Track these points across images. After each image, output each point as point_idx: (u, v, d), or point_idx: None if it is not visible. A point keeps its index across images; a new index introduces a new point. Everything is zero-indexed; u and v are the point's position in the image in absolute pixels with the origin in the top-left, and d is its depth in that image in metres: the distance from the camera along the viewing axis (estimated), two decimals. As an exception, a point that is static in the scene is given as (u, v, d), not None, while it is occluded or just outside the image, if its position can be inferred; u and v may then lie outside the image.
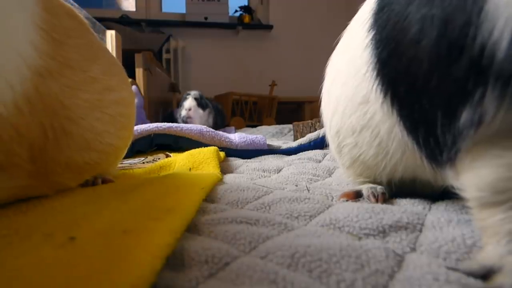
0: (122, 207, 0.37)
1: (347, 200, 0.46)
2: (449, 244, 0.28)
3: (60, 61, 0.41)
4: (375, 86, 0.38)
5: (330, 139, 0.52)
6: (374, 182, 0.47)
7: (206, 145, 0.96)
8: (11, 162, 0.36)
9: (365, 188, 0.45)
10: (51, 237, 0.27)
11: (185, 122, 2.02)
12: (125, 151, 0.63)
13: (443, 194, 0.43)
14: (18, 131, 0.35)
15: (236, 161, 0.89)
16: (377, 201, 0.43)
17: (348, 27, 0.49)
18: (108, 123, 0.51)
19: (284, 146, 1.11)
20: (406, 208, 0.39)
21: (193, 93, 2.14)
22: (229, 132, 1.37)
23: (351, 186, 0.53)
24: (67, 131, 0.42)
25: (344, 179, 0.59)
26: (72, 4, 1.36)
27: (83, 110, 0.45)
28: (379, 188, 0.45)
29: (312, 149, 1.07)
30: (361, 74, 0.40)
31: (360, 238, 0.32)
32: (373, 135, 0.41)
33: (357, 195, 0.46)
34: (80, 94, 0.45)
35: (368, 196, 0.44)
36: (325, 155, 0.93)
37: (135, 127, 1.11)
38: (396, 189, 0.46)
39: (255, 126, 2.40)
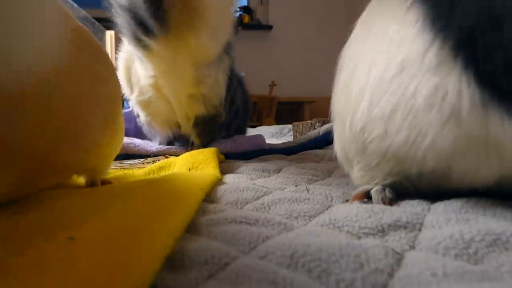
0: (121, 208, 0.37)
1: (346, 201, 0.46)
2: (447, 240, 0.29)
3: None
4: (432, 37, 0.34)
5: (351, 139, 0.47)
6: (405, 178, 0.43)
7: (206, 146, 0.96)
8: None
9: (374, 191, 0.43)
10: (50, 238, 0.27)
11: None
12: (116, 149, 0.59)
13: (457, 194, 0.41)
14: None
15: (235, 162, 0.89)
16: (384, 204, 0.42)
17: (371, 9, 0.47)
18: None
19: (284, 145, 1.11)
20: (405, 208, 0.39)
21: None
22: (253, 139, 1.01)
23: (351, 186, 0.53)
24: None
25: (342, 180, 0.59)
26: (71, 5, 1.36)
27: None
28: (387, 191, 0.43)
29: (312, 148, 1.07)
30: (402, 36, 0.37)
31: (359, 237, 0.32)
32: (405, 112, 0.37)
33: (365, 196, 0.45)
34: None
35: (379, 202, 0.42)
36: (325, 155, 0.93)
37: (135, 128, 1.11)
38: (424, 183, 0.43)
39: (254, 127, 2.40)
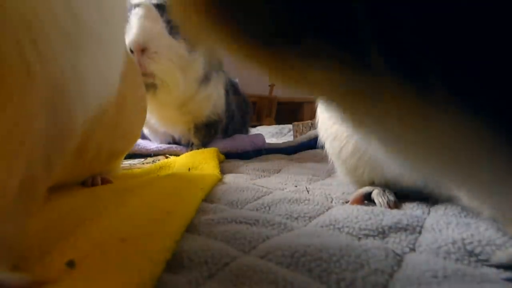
0: (120, 210, 0.37)
1: (346, 202, 0.46)
2: (449, 245, 0.29)
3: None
4: None
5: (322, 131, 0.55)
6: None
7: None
8: None
9: (376, 195, 0.44)
10: (49, 262, 0.26)
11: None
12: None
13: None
14: None
15: (235, 162, 0.89)
16: (389, 207, 0.41)
17: None
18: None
19: (284, 145, 1.10)
20: (406, 211, 0.39)
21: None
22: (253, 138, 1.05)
23: (351, 187, 0.53)
24: None
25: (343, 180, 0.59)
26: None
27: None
28: (388, 192, 0.44)
29: (312, 148, 1.07)
30: None
31: (359, 239, 0.32)
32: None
33: (364, 199, 0.45)
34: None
35: (385, 206, 0.42)
36: (325, 155, 0.93)
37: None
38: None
39: (254, 127, 2.39)
